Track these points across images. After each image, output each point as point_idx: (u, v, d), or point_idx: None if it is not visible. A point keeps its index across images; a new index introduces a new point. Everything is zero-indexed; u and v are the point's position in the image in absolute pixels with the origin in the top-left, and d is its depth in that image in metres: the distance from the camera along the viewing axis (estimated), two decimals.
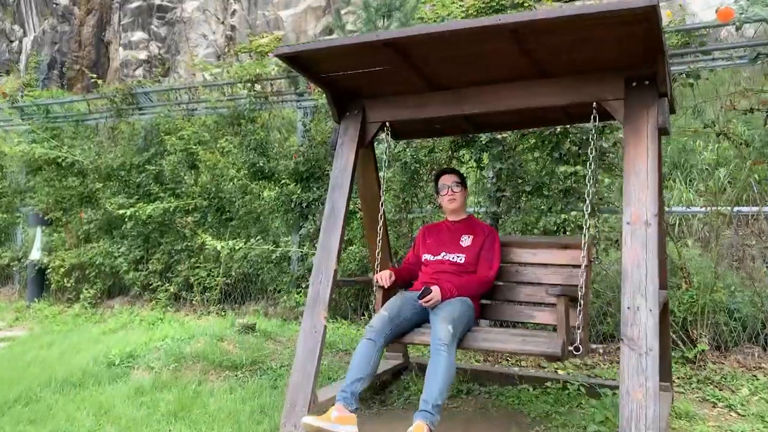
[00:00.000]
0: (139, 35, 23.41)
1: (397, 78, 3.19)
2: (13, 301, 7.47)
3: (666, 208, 4.45)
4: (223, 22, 22.23)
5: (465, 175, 5.08)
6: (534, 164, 4.84)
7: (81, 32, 24.14)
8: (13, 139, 7.46)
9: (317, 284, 3.17)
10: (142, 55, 23.05)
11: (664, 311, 3.31)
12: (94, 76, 7.47)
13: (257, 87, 6.02)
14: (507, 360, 4.37)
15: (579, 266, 3.18)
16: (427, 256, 3.36)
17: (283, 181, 5.58)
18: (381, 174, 3.69)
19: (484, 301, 3.38)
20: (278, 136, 6.01)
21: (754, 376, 3.83)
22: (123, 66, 23.16)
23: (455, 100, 3.21)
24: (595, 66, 2.86)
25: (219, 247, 5.27)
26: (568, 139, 4.57)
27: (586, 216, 2.92)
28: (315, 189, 5.60)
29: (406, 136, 4.17)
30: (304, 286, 5.43)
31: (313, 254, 5.43)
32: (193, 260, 6.18)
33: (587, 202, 2.93)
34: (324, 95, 5.47)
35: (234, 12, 22.28)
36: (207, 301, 6.04)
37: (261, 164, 5.77)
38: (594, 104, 2.90)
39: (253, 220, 5.98)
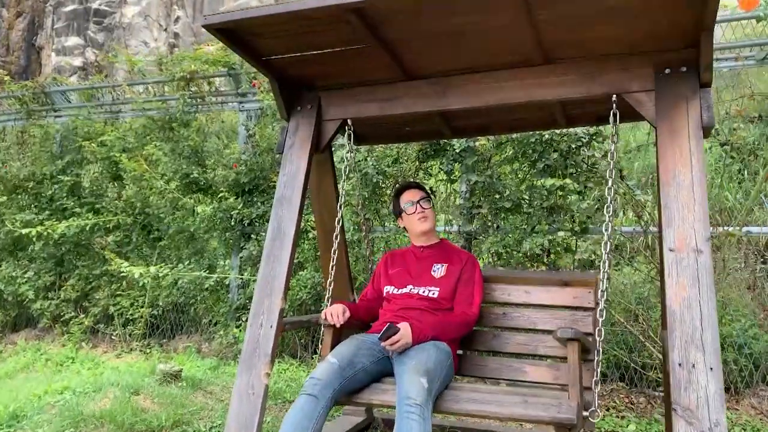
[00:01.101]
0: (74, 41, 22.00)
1: (364, 63, 2.50)
2: None
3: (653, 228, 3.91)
4: (165, 29, 21.12)
5: (434, 189, 4.46)
6: (513, 177, 4.23)
7: (9, 36, 22.51)
8: None
9: (256, 328, 2.41)
10: (77, 61, 21.64)
11: None
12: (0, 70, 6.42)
13: (192, 86, 5.21)
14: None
15: (585, 308, 2.56)
16: (389, 289, 2.65)
17: (221, 195, 4.77)
18: (340, 185, 2.98)
19: (459, 351, 2.68)
20: (217, 142, 5.20)
21: None
22: (56, 72, 21.64)
23: (437, 92, 2.54)
24: (617, 48, 2.25)
25: (138, 275, 4.40)
26: (552, 149, 3.98)
27: (606, 237, 2.24)
28: (259, 204, 4.81)
29: (369, 141, 3.47)
30: (244, 319, 4.61)
31: (256, 280, 4.65)
32: (114, 287, 5.26)
33: (607, 220, 2.27)
34: (269, 93, 4.78)
35: (177, 19, 21.23)
36: (129, 335, 5.13)
37: (195, 175, 4.95)
38: (614, 98, 2.29)
39: (186, 240, 5.12)
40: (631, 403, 3.69)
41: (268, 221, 4.78)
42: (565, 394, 2.09)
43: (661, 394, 3.71)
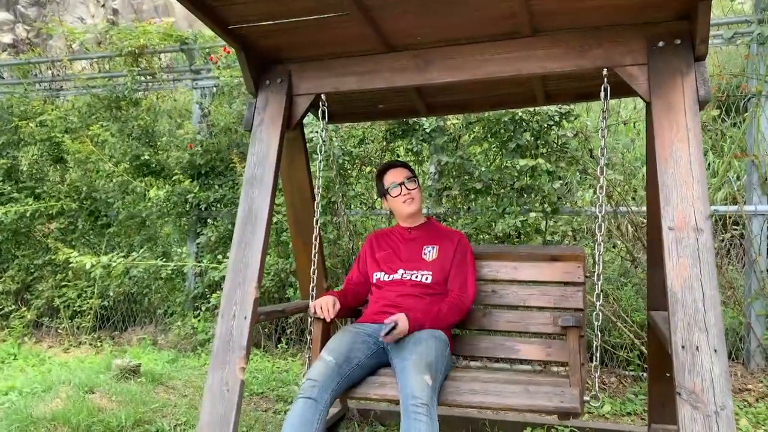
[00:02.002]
0: (2, 16, 20.56)
1: (341, 33, 2.32)
2: None
3: (624, 208, 3.91)
4: (103, 5, 20.01)
5: None
6: (483, 157, 4.14)
7: None
8: None
9: (228, 320, 2.23)
10: (7, 38, 20.27)
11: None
12: None
13: (141, 62, 4.88)
14: None
15: (574, 284, 2.51)
16: (379, 275, 2.51)
17: (175, 178, 4.50)
18: (314, 165, 2.81)
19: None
20: (169, 122, 4.89)
21: (745, 401, 3.34)
22: None
23: (420, 65, 2.39)
24: (609, 19, 2.15)
25: (89, 266, 4.09)
26: (523, 128, 3.91)
27: (599, 216, 2.16)
28: (217, 187, 4.56)
29: (339, 119, 3.30)
30: (203, 308, 4.38)
31: (214, 267, 4.42)
32: (58, 277, 4.92)
33: (600, 196, 2.18)
34: (225, 69, 4.51)
35: None
36: (78, 328, 4.81)
37: (147, 156, 4.64)
38: (605, 72, 2.20)
39: (137, 226, 4.83)
40: (603, 384, 3.69)
41: (226, 205, 4.58)
42: (566, 381, 2.02)
43: (632, 373, 3.74)
